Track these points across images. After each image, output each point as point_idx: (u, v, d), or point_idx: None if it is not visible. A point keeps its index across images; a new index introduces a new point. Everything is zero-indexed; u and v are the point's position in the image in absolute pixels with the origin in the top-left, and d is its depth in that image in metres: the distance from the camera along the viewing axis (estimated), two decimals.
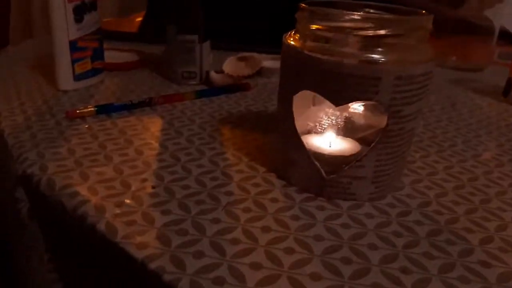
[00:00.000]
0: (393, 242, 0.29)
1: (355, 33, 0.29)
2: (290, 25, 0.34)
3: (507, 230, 0.31)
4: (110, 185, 0.33)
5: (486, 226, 0.31)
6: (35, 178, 0.34)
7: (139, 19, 1.01)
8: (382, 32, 0.28)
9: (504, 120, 0.54)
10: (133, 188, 0.33)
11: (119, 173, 0.35)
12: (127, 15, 1.13)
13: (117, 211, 0.30)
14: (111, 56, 0.68)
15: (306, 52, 0.30)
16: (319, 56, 0.29)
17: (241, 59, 0.67)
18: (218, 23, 0.66)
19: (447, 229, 0.30)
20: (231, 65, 0.66)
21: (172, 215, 0.30)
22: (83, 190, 0.32)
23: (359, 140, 0.36)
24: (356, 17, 0.29)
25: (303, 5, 0.31)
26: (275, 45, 0.81)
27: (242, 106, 0.53)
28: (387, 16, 0.30)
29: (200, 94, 0.54)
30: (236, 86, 0.58)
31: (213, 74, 0.58)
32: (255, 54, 0.67)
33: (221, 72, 0.64)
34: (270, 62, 0.67)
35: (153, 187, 0.33)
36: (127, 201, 0.31)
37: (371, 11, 0.36)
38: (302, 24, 0.31)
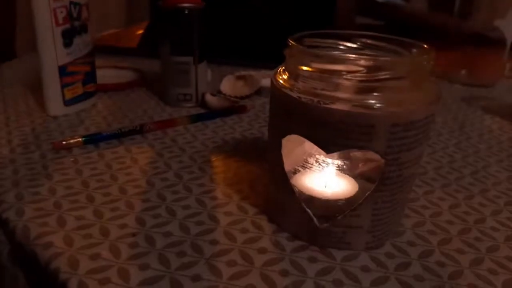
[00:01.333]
0: None
1: (347, 76, 0.26)
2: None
3: None
4: (87, 233, 0.31)
5: (493, 282, 0.28)
6: (11, 224, 0.32)
7: (140, 31, 1.00)
8: (378, 76, 0.26)
9: None
10: (111, 236, 0.30)
11: (99, 217, 0.33)
12: (135, 24, 1.12)
13: (92, 265, 0.28)
14: (108, 74, 0.66)
15: (294, 95, 0.27)
16: (308, 101, 0.27)
17: (239, 78, 0.65)
18: (216, 39, 0.64)
19: (450, 286, 0.28)
20: (229, 84, 0.64)
21: (150, 270, 0.27)
22: (58, 240, 0.30)
23: (358, 177, 0.33)
24: (349, 58, 0.26)
25: (292, 42, 0.29)
26: (275, 61, 0.79)
27: (237, 131, 0.50)
28: (382, 58, 0.28)
29: (194, 119, 0.52)
30: (232, 109, 0.55)
31: (208, 97, 0.56)
32: (253, 73, 0.65)
33: (218, 92, 0.62)
34: (269, 81, 0.65)
35: (133, 235, 0.31)
36: (104, 253, 0.29)
37: (368, 41, 0.33)
38: (290, 62, 0.29)
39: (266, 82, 0.64)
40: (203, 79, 0.58)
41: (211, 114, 0.54)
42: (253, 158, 0.44)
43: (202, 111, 0.56)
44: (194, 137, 0.48)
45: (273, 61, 0.79)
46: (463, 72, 0.78)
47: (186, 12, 0.53)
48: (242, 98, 0.62)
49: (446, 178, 0.42)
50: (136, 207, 0.34)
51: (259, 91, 0.63)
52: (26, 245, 0.30)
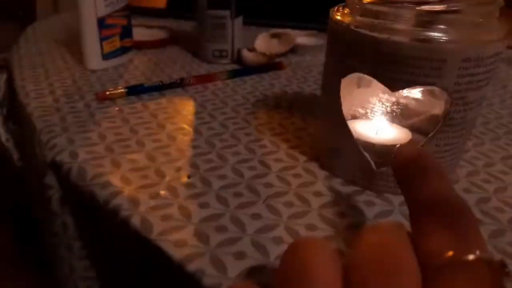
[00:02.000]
0: None
1: (411, 7, 0.25)
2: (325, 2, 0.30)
3: None
4: (143, 174, 0.31)
5: None
6: (65, 166, 0.32)
7: None
8: (443, 7, 0.25)
9: None
10: (167, 178, 0.31)
11: (152, 160, 0.33)
12: None
13: (152, 203, 0.28)
14: (140, 33, 0.65)
15: (356, 29, 0.27)
16: (372, 34, 0.26)
17: (274, 35, 0.64)
18: None
19: (510, 229, 0.27)
20: (263, 42, 0.63)
21: (210, 209, 0.28)
22: (115, 180, 0.30)
23: (410, 127, 0.32)
24: None
25: None
26: (309, 21, 0.77)
27: (276, 87, 0.50)
28: None
29: (232, 74, 0.51)
30: (269, 65, 0.55)
31: (245, 53, 0.55)
32: (288, 31, 0.64)
33: (253, 50, 0.61)
34: (304, 39, 0.64)
35: (189, 177, 0.31)
36: (162, 192, 0.29)
37: None
38: (348, 8, 0.28)
39: (301, 40, 0.63)
40: (239, 34, 0.57)
41: (249, 70, 0.53)
42: (295, 111, 0.43)
43: (238, 67, 0.55)
44: (234, 91, 0.48)
45: (307, 21, 0.78)
46: None
47: None
48: (277, 55, 0.60)
49: (495, 132, 0.41)
50: (187, 152, 0.34)
51: (294, 49, 0.62)
52: (83, 186, 0.31)
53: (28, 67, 0.51)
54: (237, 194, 0.29)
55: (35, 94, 0.44)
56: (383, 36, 0.25)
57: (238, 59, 0.57)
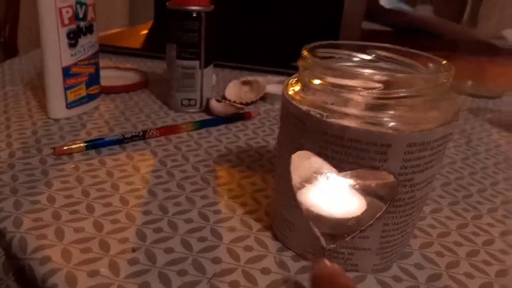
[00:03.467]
0: None
1: (361, 93, 0.25)
2: (298, 45, 0.30)
3: None
4: (86, 247, 0.30)
5: None
6: (8, 235, 0.31)
7: (145, 31, 0.99)
8: (394, 93, 0.25)
9: None
10: (111, 252, 0.30)
11: (98, 230, 0.32)
12: (138, 24, 1.11)
13: (90, 283, 0.27)
14: (110, 75, 0.65)
15: (305, 109, 0.26)
16: (320, 116, 0.26)
17: (245, 83, 0.64)
18: (222, 42, 0.64)
19: None
20: (234, 90, 0.63)
21: None
22: (56, 254, 0.29)
23: (368, 196, 0.32)
24: (364, 74, 0.25)
25: (305, 52, 0.28)
26: (281, 65, 0.78)
27: (242, 139, 0.49)
28: (399, 75, 0.27)
29: (198, 126, 0.51)
30: (237, 115, 0.55)
31: (213, 103, 0.55)
32: (259, 78, 0.64)
33: (223, 97, 0.61)
34: (274, 87, 0.64)
35: (133, 250, 0.30)
36: (102, 269, 0.28)
37: (383, 53, 0.32)
38: (303, 75, 0.28)
39: (271, 88, 0.64)
40: (208, 84, 0.57)
41: (216, 120, 0.53)
42: (257, 169, 0.43)
43: (206, 116, 0.55)
44: (198, 145, 0.47)
45: (278, 66, 0.79)
46: (470, 82, 0.77)
47: (195, 15, 0.52)
48: (247, 104, 0.61)
49: (454, 196, 0.41)
50: (137, 219, 0.33)
51: (264, 97, 0.63)
52: (22, 258, 0.29)
53: None
54: (182, 273, 0.28)
55: None
56: (330, 119, 0.25)
57: (206, 108, 0.57)
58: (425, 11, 1.03)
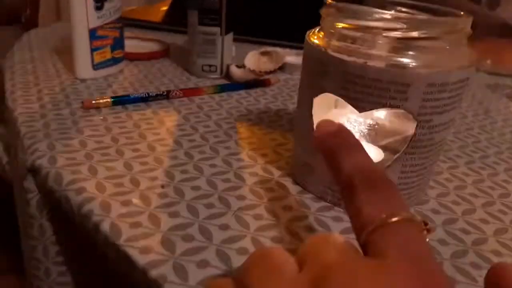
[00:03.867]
0: None
1: (384, 34, 0.26)
2: (316, 20, 0.32)
3: None
4: (118, 182, 0.31)
5: None
6: (43, 171, 0.33)
7: (165, 8, 1.00)
8: (414, 34, 0.26)
9: None
10: (141, 187, 0.31)
11: (129, 169, 0.33)
12: (154, 3, 1.12)
13: (123, 210, 0.28)
14: (133, 45, 0.67)
15: (329, 52, 0.28)
16: (343, 57, 0.27)
17: (263, 53, 0.65)
18: (242, 15, 0.65)
19: (473, 251, 0.28)
20: (253, 60, 0.64)
21: (180, 218, 0.28)
22: (90, 186, 0.31)
23: (382, 147, 0.33)
24: (386, 16, 0.26)
25: (330, 0, 0.29)
26: (300, 40, 0.79)
27: (261, 103, 0.51)
28: (420, 16, 0.28)
29: (219, 89, 0.52)
30: (256, 81, 0.56)
31: (233, 69, 0.56)
32: (278, 49, 0.65)
33: (243, 66, 0.62)
34: (293, 58, 0.65)
35: (162, 186, 0.31)
36: (135, 200, 0.30)
37: (403, 9, 0.33)
38: (327, 21, 0.29)
39: (290, 58, 0.65)
40: (228, 51, 0.58)
41: (236, 85, 0.54)
42: (276, 127, 0.44)
43: (226, 82, 0.57)
44: (219, 105, 0.49)
45: (297, 41, 0.79)
46: (488, 61, 0.77)
47: None
48: (266, 73, 0.62)
49: (471, 156, 0.42)
50: (164, 163, 0.35)
51: (282, 67, 0.64)
52: (58, 190, 0.31)
53: (19, 74, 0.52)
54: (208, 205, 0.30)
55: (23, 100, 0.45)
56: (353, 59, 0.26)
57: (227, 74, 0.58)
58: None
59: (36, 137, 0.37)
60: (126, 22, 0.82)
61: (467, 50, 0.29)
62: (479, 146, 0.44)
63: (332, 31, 0.29)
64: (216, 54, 0.57)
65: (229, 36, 0.58)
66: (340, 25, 0.28)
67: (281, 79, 0.60)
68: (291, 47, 0.75)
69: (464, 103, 0.58)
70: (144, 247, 0.25)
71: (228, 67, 0.58)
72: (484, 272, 0.26)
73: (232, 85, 0.54)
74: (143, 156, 0.35)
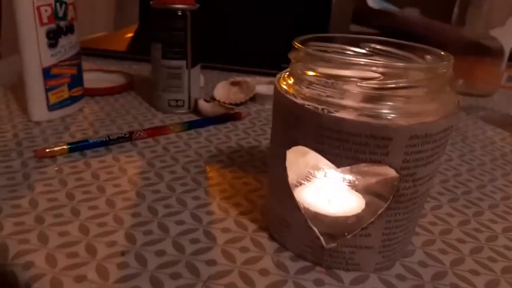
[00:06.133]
0: None
1: (359, 83, 0.24)
2: (286, 47, 0.29)
3: None
4: (72, 251, 0.28)
5: None
6: None
7: (130, 34, 0.97)
8: (392, 83, 0.24)
9: None
10: (98, 256, 0.28)
11: (85, 233, 0.30)
12: (123, 27, 1.09)
13: None
14: (95, 78, 0.63)
15: (300, 102, 0.25)
16: (315, 108, 0.24)
17: (233, 83, 0.63)
18: (209, 43, 0.62)
19: None
20: (223, 90, 0.61)
21: None
22: (39, 259, 0.27)
23: (369, 193, 0.31)
24: (360, 63, 0.24)
25: (297, 44, 0.27)
26: (271, 67, 0.77)
27: (232, 140, 0.48)
28: (397, 64, 0.26)
29: (186, 127, 0.49)
30: (226, 116, 0.53)
31: (201, 103, 0.54)
32: (248, 79, 0.63)
33: (212, 99, 0.59)
34: (264, 88, 0.63)
35: (122, 254, 0.28)
36: (90, 275, 0.26)
37: (378, 47, 0.31)
38: (296, 67, 0.27)
39: (261, 88, 0.62)
40: (196, 84, 0.55)
41: (205, 121, 0.51)
42: (249, 169, 0.41)
43: (194, 118, 0.54)
44: (187, 145, 0.45)
45: (267, 67, 0.77)
46: (461, 81, 0.77)
47: (179, 13, 0.51)
48: (236, 104, 0.59)
49: (453, 193, 0.40)
50: (125, 222, 0.31)
51: (253, 98, 0.61)
52: (3, 264, 0.27)
53: None
54: (175, 276, 0.26)
55: None
56: (327, 111, 0.24)
57: (195, 108, 0.55)
58: (413, 13, 1.03)
59: None
60: (88, 52, 0.78)
61: (451, 94, 0.27)
62: (460, 179, 0.43)
63: (302, 77, 0.26)
64: (182, 88, 0.54)
65: (196, 69, 0.55)
66: (311, 73, 0.25)
67: (252, 111, 0.58)
68: (262, 73, 0.73)
69: None
70: None
71: (196, 101, 0.55)
72: None
73: (201, 121, 0.51)
74: (102, 216, 0.32)
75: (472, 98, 0.74)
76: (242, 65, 0.77)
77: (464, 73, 0.76)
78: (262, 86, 0.63)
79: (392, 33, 1.21)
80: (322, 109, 0.24)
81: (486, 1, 0.73)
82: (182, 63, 0.53)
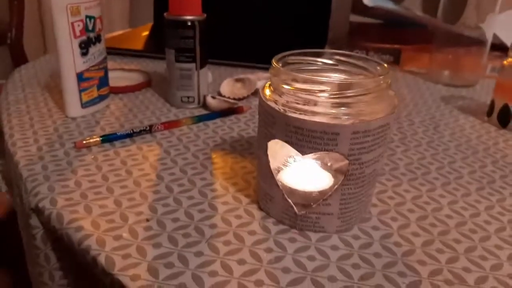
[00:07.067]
0: (351, 274, 0.33)
1: (319, 95, 0.33)
2: (289, 41, 0.38)
3: (457, 262, 0.35)
4: (110, 219, 0.38)
5: (439, 259, 0.35)
6: (46, 212, 0.39)
7: (146, 33, 1.06)
8: (347, 94, 0.33)
9: (483, 144, 0.57)
10: (130, 221, 0.37)
11: (118, 205, 0.40)
12: (137, 25, 1.18)
13: (115, 244, 0.35)
14: (117, 76, 0.73)
15: (276, 107, 0.34)
16: (287, 112, 0.33)
17: (238, 80, 0.71)
18: (218, 42, 0.71)
19: (401, 261, 0.35)
20: (228, 87, 0.70)
21: (162, 248, 0.35)
22: (87, 224, 0.37)
23: (333, 172, 0.40)
24: (322, 80, 0.33)
25: (274, 63, 0.36)
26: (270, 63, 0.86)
27: (235, 131, 0.57)
28: (350, 80, 0.34)
29: (196, 120, 0.59)
30: (230, 110, 0.62)
31: (209, 99, 0.63)
32: (250, 76, 0.72)
33: (218, 94, 0.68)
34: (264, 83, 0.72)
35: (147, 220, 0.38)
36: (124, 234, 0.36)
37: (342, 58, 0.40)
38: (274, 80, 0.36)
39: (262, 84, 0.71)
40: (204, 82, 0.64)
41: (212, 115, 0.61)
42: (247, 155, 0.50)
43: (203, 111, 0.63)
44: (197, 136, 0.55)
45: (269, 63, 0.86)
46: (446, 72, 0.84)
47: (189, 23, 0.60)
48: (240, 99, 0.68)
49: (414, 173, 0.49)
50: (149, 197, 0.41)
51: (255, 92, 0.70)
52: (60, 229, 0.37)
53: (14, 116, 0.58)
54: (186, 235, 0.36)
55: (21, 143, 0.51)
56: (295, 115, 0.33)
57: (203, 104, 0.65)
58: (404, 9, 1.10)
59: (37, 180, 0.43)
60: (109, 51, 0.88)
61: (391, 98, 0.35)
62: (423, 162, 0.51)
63: (278, 88, 0.35)
64: (193, 86, 0.63)
65: (204, 70, 0.64)
66: (285, 86, 0.34)
67: (253, 105, 0.67)
68: (265, 69, 0.82)
69: (416, 118, 0.65)
70: (133, 275, 0.32)
71: (204, 97, 0.64)
72: (407, 280, 0.32)
73: (208, 115, 0.61)
74: (130, 193, 0.42)
75: (455, 88, 0.81)
76: (247, 61, 0.86)
77: (449, 64, 0.84)
78: (263, 81, 0.72)
79: (391, 23, 1.27)
80: (290, 112, 0.33)
81: None
82: (192, 65, 0.62)
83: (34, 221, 0.41)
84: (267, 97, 0.36)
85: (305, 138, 0.33)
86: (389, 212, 0.41)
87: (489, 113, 0.65)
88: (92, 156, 0.48)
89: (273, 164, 0.37)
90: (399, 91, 0.78)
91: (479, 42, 0.81)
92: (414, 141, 0.57)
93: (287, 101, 0.34)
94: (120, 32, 1.08)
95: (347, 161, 0.34)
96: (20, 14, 1.74)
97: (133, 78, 0.74)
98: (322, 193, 0.36)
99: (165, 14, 0.61)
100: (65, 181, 0.43)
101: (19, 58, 1.78)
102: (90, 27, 0.57)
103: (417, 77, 0.88)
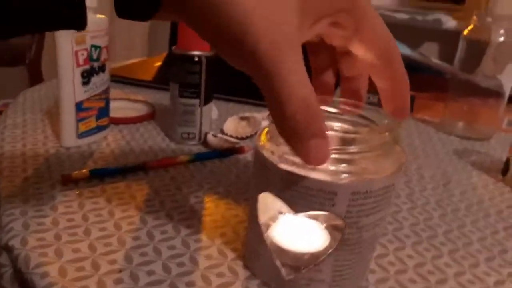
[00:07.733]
0: None
1: None
2: None
3: None
4: (80, 266, 0.35)
5: None
6: (15, 252, 0.36)
7: (158, 63, 1.06)
8: (349, 150, 0.30)
9: (495, 206, 0.53)
10: (100, 271, 0.34)
11: (93, 251, 0.37)
12: (157, 53, 1.18)
13: None
14: (120, 106, 0.71)
15: (270, 158, 0.31)
16: (281, 165, 0.30)
17: (242, 118, 0.69)
18: (225, 78, 0.69)
19: None
20: (233, 124, 0.68)
21: None
22: (53, 271, 0.34)
23: (322, 234, 0.36)
24: None
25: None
26: None
27: (233, 172, 0.54)
28: (351, 135, 0.31)
29: (194, 158, 0.56)
30: (231, 149, 0.59)
31: (210, 137, 0.60)
32: (256, 114, 0.69)
33: (222, 132, 0.66)
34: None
35: (120, 271, 0.35)
36: (91, 287, 0.33)
37: (348, 108, 0.37)
38: (272, 127, 0.33)
39: (266, 123, 0.68)
40: (207, 119, 0.62)
41: (211, 153, 0.58)
42: (241, 201, 0.47)
43: (203, 149, 0.60)
44: (192, 176, 0.52)
45: None
46: (460, 123, 0.81)
47: (196, 59, 0.58)
48: (243, 138, 0.66)
49: (419, 236, 0.45)
50: (127, 243, 0.38)
51: None
52: (25, 272, 0.34)
53: (8, 141, 0.57)
54: None
55: (8, 172, 0.48)
56: (288, 169, 0.30)
57: (204, 141, 0.62)
58: (425, 52, 1.08)
59: (13, 214, 0.40)
60: (117, 79, 0.87)
61: (395, 154, 0.32)
62: (430, 224, 0.47)
63: (275, 138, 0.32)
64: (195, 123, 0.61)
65: (208, 106, 0.62)
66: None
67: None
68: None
69: (427, 172, 0.61)
70: None
71: (205, 135, 0.61)
72: None
73: (207, 153, 0.58)
74: (108, 237, 0.39)
75: (469, 141, 0.77)
76: (255, 98, 0.84)
77: (464, 115, 0.80)
78: (267, 121, 0.69)
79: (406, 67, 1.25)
80: (285, 165, 0.30)
81: (491, 45, 0.77)
82: (196, 101, 0.60)
83: (4, 259, 0.38)
84: (263, 145, 0.33)
85: (300, 194, 0.30)
86: (388, 280, 0.37)
87: (504, 172, 0.61)
88: (77, 192, 0.46)
89: (262, 219, 0.34)
90: (410, 140, 0.75)
91: (496, 93, 0.78)
92: (422, 198, 0.53)
93: (284, 152, 0.31)
94: (134, 60, 1.08)
95: (343, 223, 0.30)
96: (40, 34, 1.78)
97: (137, 109, 0.72)
98: (314, 255, 0.33)
99: (173, 47, 0.59)
100: (42, 217, 0.40)
101: (35, 79, 1.80)
102: (95, 57, 0.56)
103: (429, 126, 0.84)
